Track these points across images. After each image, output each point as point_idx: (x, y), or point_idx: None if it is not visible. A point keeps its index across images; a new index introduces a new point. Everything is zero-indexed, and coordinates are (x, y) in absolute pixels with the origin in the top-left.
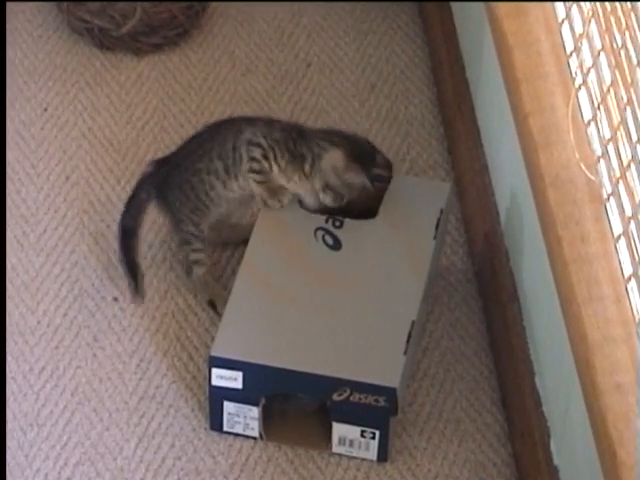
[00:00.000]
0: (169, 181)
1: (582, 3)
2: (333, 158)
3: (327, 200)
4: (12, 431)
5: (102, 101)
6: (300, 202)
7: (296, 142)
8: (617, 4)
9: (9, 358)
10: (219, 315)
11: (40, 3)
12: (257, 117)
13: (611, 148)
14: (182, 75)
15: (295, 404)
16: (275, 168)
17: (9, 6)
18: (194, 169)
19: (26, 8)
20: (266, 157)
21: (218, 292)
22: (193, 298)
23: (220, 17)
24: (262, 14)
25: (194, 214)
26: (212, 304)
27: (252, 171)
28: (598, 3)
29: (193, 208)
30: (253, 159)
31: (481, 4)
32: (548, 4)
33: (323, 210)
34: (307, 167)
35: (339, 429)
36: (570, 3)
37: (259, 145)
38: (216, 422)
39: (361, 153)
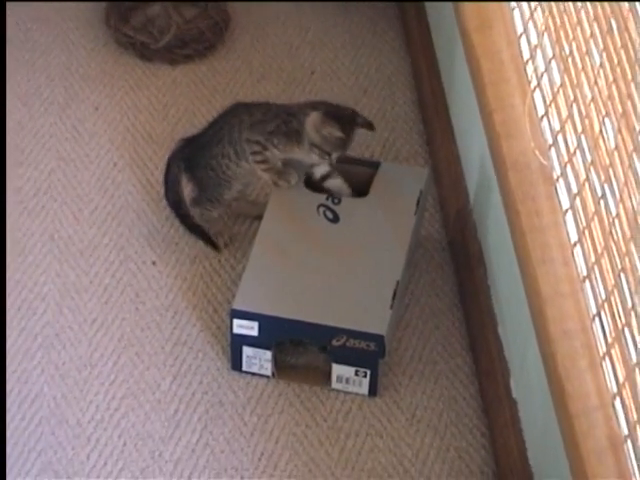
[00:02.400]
0: (196, 160)
1: (536, 18)
2: (312, 118)
3: (315, 158)
4: (69, 371)
5: (143, 102)
6: (305, 182)
7: (287, 123)
8: (565, 19)
9: (66, 311)
10: (215, 248)
11: (93, 22)
12: (253, 104)
13: (560, 138)
14: (209, 81)
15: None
16: (275, 152)
17: (67, 23)
18: (212, 154)
19: (80, 25)
20: (265, 148)
21: (222, 228)
22: (218, 262)
23: (240, 33)
24: (274, 30)
25: (216, 189)
26: (204, 233)
27: (256, 162)
28: (550, 18)
29: (216, 184)
30: (255, 153)
31: (454, 22)
32: (508, 20)
33: (325, 190)
34: (300, 136)
35: (337, 369)
36: (528, 16)
37: (257, 142)
38: (236, 363)
39: (337, 113)
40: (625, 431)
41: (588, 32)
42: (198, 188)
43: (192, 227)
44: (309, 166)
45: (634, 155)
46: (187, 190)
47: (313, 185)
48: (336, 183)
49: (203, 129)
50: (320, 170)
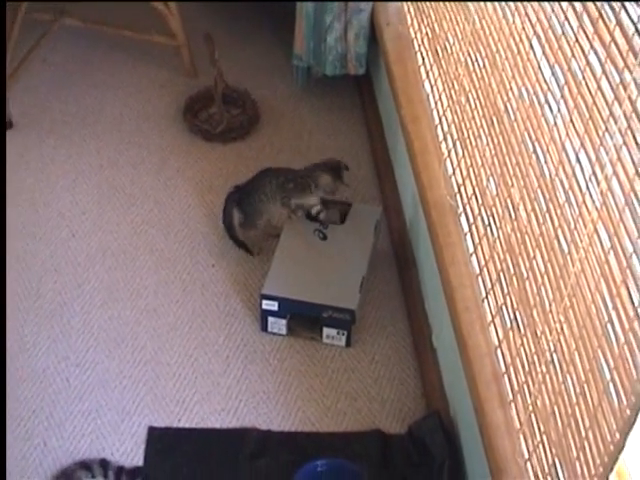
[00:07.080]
0: (243, 201)
1: (447, 114)
2: (325, 179)
3: (315, 204)
4: (162, 332)
5: (206, 167)
6: (307, 215)
7: (303, 183)
8: (464, 116)
9: (160, 295)
10: (250, 253)
11: (175, 117)
12: (277, 169)
13: (462, 189)
14: (246, 154)
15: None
16: (294, 201)
17: (160, 119)
18: (253, 199)
19: (168, 119)
20: (289, 199)
21: (255, 242)
22: (253, 264)
23: (265, 124)
24: (286, 123)
25: (256, 218)
26: (244, 245)
27: (283, 206)
28: (455, 115)
29: (256, 216)
30: (284, 203)
31: (397, 117)
32: (430, 117)
33: (319, 219)
34: (311, 188)
35: (326, 330)
36: (441, 114)
37: (285, 197)
38: (264, 326)
39: (337, 170)
40: (503, 369)
41: (479, 124)
42: (244, 217)
43: (238, 242)
44: (309, 207)
45: (508, 200)
46: (237, 218)
47: (310, 218)
48: (328, 215)
49: (247, 181)
50: (315, 209)
